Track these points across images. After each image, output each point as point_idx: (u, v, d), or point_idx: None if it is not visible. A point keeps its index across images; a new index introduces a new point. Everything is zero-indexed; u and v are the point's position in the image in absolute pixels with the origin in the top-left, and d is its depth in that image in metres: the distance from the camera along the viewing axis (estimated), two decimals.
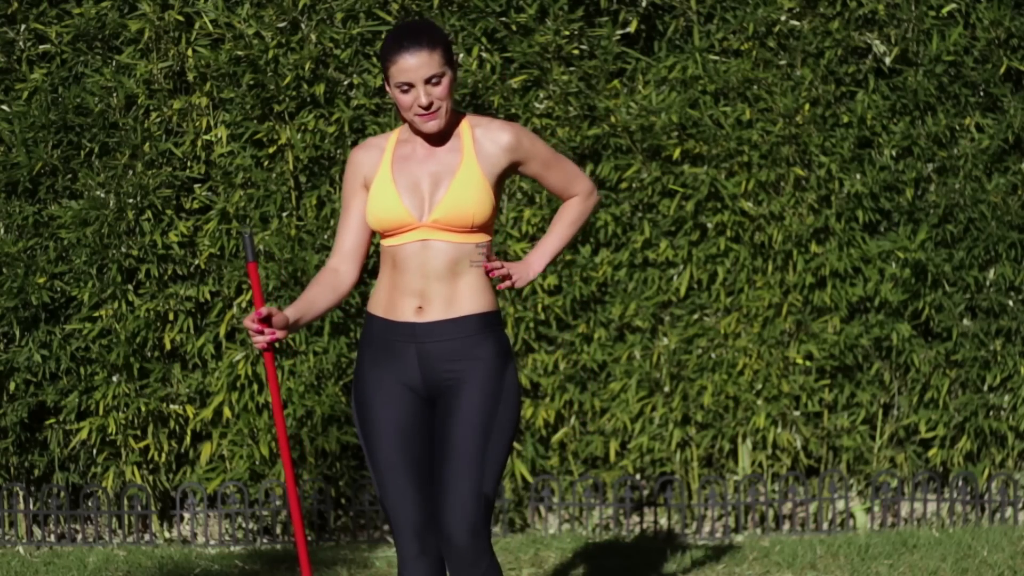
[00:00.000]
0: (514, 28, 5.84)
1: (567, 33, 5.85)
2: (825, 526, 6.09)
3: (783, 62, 5.95)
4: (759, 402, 5.99)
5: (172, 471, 5.92)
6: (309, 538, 5.90)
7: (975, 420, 6.04)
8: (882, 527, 6.10)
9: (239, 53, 5.67)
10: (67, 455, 5.81)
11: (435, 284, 3.53)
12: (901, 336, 5.99)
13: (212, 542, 5.87)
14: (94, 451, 5.81)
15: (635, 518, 6.16)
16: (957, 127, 6.01)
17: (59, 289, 5.70)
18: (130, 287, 5.74)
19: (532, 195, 5.85)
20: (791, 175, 5.95)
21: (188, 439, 5.86)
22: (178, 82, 5.78)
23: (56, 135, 5.67)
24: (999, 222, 5.96)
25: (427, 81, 3.47)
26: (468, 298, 3.54)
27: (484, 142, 3.55)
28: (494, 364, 3.54)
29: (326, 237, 5.76)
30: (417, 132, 3.56)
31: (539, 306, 5.90)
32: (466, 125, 3.57)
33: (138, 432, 5.79)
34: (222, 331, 5.78)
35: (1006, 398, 6.07)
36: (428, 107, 3.48)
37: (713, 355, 5.99)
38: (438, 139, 3.57)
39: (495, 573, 3.50)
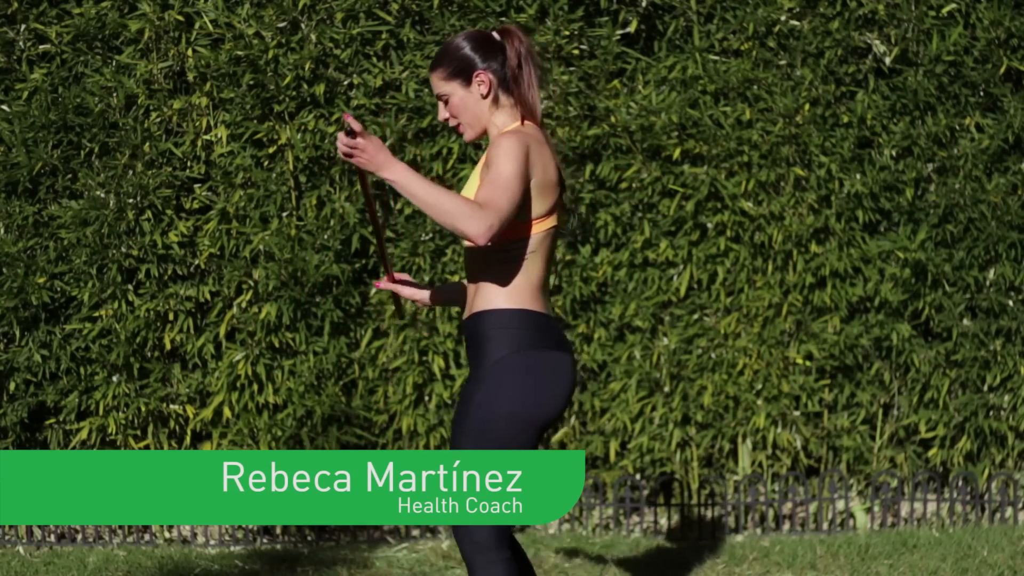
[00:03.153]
0: None
1: (567, 33, 5.86)
2: (825, 526, 6.09)
3: (783, 62, 5.96)
4: (759, 402, 5.99)
5: None
6: (309, 538, 5.90)
7: (975, 420, 6.04)
8: (882, 527, 6.10)
9: (239, 53, 5.67)
10: None
11: (469, 282, 3.65)
12: (901, 336, 5.99)
13: (212, 542, 5.87)
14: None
15: (635, 518, 6.16)
16: (957, 127, 6.01)
17: (59, 289, 5.70)
18: (130, 287, 5.74)
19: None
20: (791, 175, 5.95)
21: (188, 439, 5.86)
22: (178, 82, 5.78)
23: (56, 135, 5.67)
24: (999, 222, 5.96)
25: (439, 98, 3.68)
26: (482, 296, 3.57)
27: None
28: (483, 369, 3.54)
29: (326, 237, 5.76)
30: None
31: None
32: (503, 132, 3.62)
33: (138, 432, 5.79)
34: (222, 331, 5.78)
35: (1006, 398, 6.07)
36: (447, 122, 3.70)
37: (713, 355, 6.00)
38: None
39: None
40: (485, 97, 3.62)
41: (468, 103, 3.63)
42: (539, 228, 3.56)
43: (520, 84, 3.64)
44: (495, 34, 3.66)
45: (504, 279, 3.54)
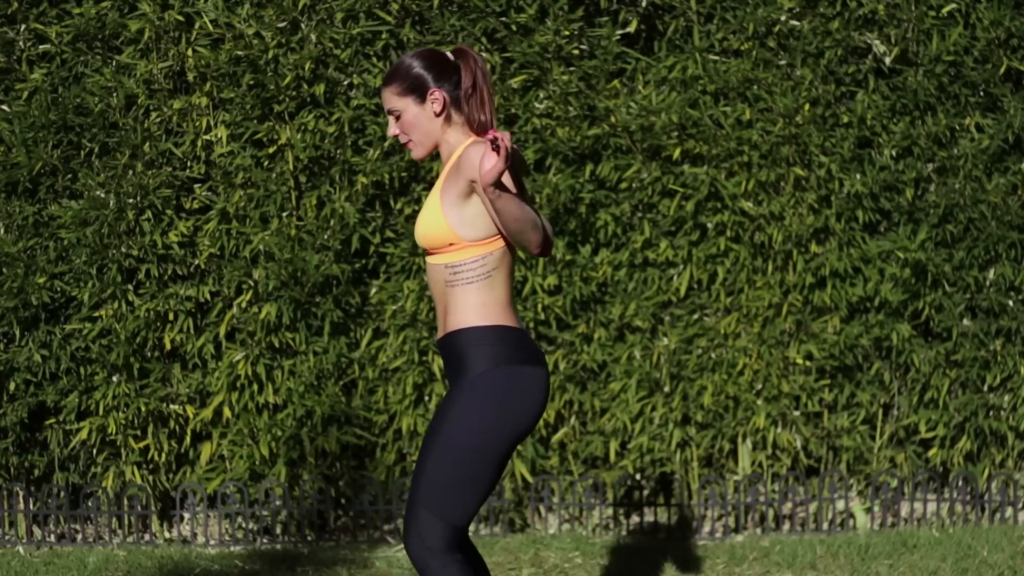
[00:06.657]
0: (514, 28, 5.85)
1: (567, 33, 5.85)
2: (825, 526, 6.09)
3: (783, 62, 5.95)
4: (759, 402, 5.99)
5: (172, 471, 5.93)
6: (309, 538, 5.90)
7: (975, 420, 6.04)
8: (882, 527, 6.10)
9: (239, 53, 5.67)
10: (67, 455, 5.81)
11: (437, 302, 3.66)
12: (901, 336, 5.99)
13: (212, 542, 5.87)
14: (94, 451, 5.81)
15: (635, 518, 6.16)
16: (957, 127, 6.01)
17: (59, 289, 5.70)
18: (130, 287, 5.74)
19: (532, 196, 5.86)
20: (791, 175, 5.95)
21: (188, 439, 5.86)
22: (178, 82, 5.78)
23: (56, 135, 5.67)
24: (999, 222, 5.96)
25: (391, 114, 3.70)
26: (453, 315, 3.60)
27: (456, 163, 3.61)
28: (461, 384, 3.55)
29: (326, 237, 5.76)
30: None
31: (539, 306, 5.91)
32: (463, 145, 3.61)
33: (138, 432, 5.79)
34: (222, 331, 5.79)
35: (1006, 398, 6.07)
36: (396, 138, 3.74)
37: (713, 355, 5.99)
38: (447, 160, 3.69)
39: None
40: (439, 115, 3.64)
41: (421, 120, 3.65)
42: (498, 245, 3.59)
43: (472, 105, 3.65)
44: (450, 55, 3.68)
45: (472, 298, 3.57)
